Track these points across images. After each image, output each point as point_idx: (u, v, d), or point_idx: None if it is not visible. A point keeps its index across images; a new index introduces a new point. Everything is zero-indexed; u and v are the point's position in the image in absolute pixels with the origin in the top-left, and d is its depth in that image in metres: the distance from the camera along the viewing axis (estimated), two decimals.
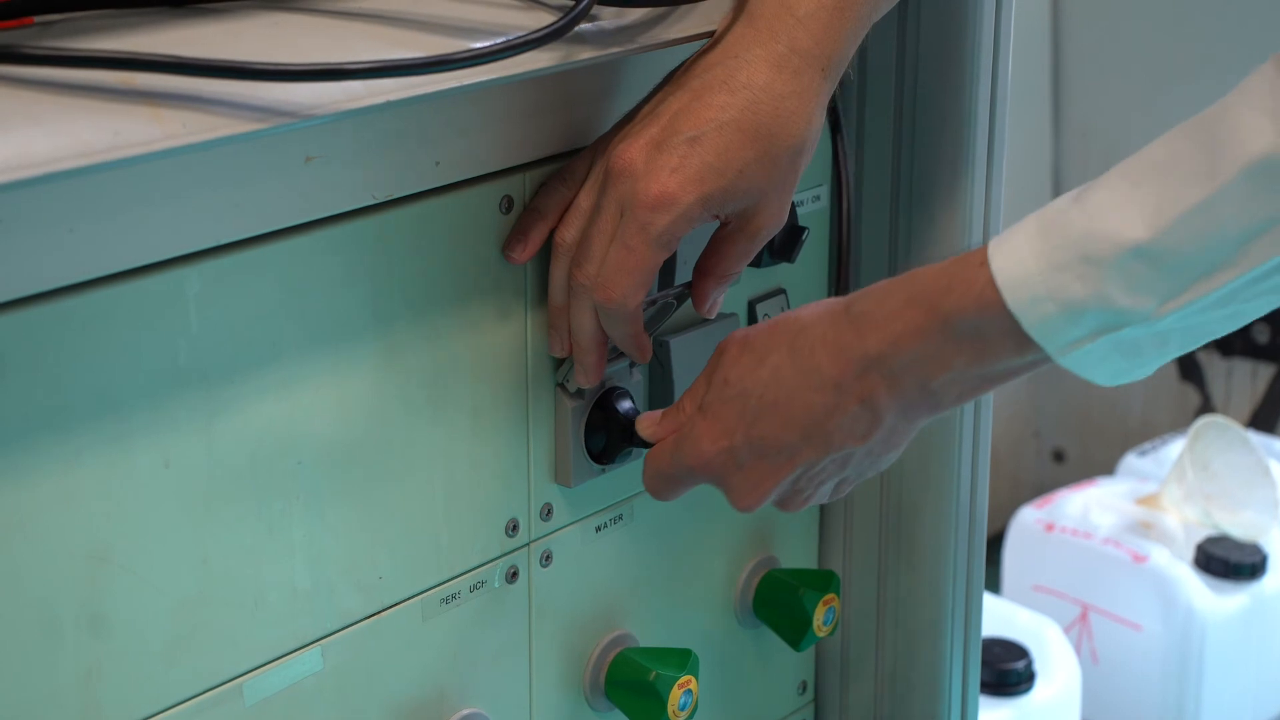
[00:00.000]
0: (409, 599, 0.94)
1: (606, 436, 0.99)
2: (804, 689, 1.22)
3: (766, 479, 0.90)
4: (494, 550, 0.98)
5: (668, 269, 0.98)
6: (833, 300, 0.89)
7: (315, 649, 0.89)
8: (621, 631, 1.06)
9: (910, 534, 1.18)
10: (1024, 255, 0.81)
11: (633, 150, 0.87)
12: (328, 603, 0.89)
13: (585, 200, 0.90)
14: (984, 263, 0.82)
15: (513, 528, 0.98)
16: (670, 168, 0.86)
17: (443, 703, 0.96)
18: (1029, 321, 0.81)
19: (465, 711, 0.97)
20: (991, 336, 0.82)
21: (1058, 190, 2.56)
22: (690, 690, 1.03)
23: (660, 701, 1.02)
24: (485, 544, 0.97)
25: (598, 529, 1.04)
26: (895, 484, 1.18)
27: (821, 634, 1.13)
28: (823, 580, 1.13)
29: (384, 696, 0.93)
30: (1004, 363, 0.83)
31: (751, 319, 1.09)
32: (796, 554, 1.18)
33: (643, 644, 1.07)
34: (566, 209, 0.92)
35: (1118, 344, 0.81)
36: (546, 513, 1.00)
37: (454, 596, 0.96)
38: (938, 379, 0.85)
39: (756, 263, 1.07)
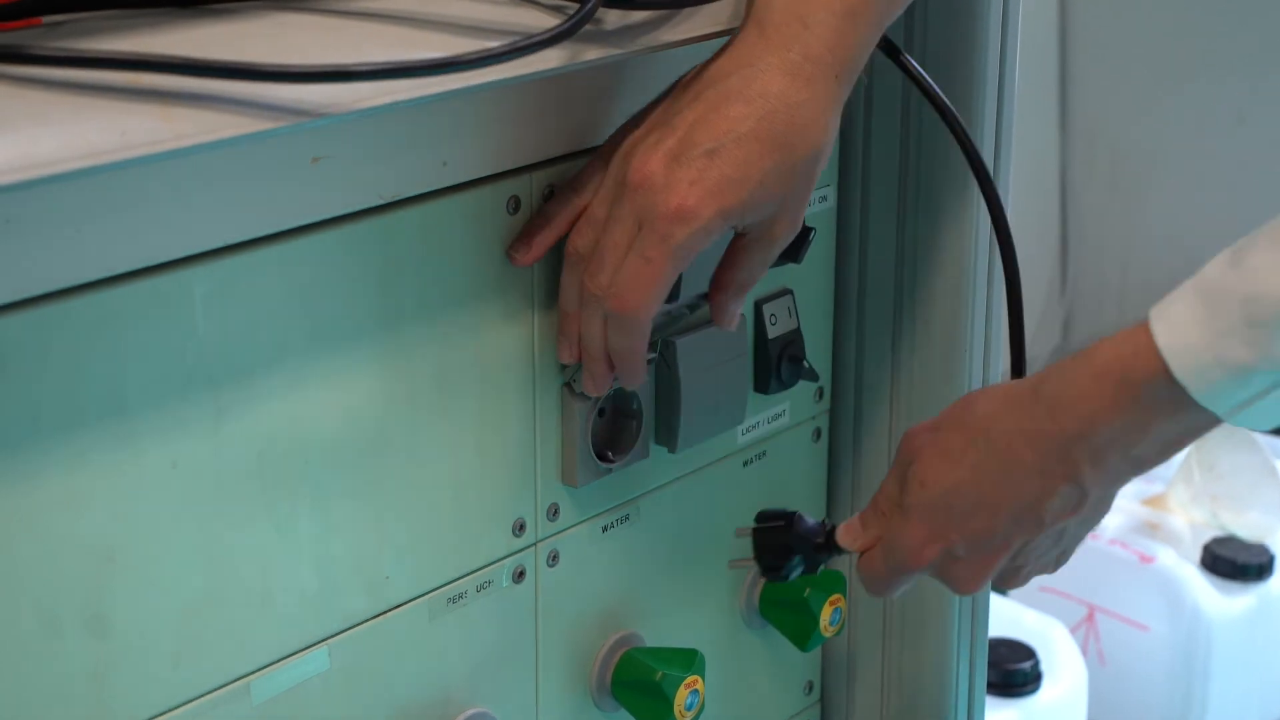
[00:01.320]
0: (416, 599, 0.94)
1: (802, 555, 1.02)
2: (810, 689, 1.22)
3: (985, 567, 0.92)
4: (501, 550, 0.98)
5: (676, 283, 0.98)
6: (1013, 386, 0.91)
7: (322, 649, 0.89)
8: (628, 631, 1.06)
9: None
10: (1185, 325, 0.83)
11: (651, 163, 0.87)
12: (335, 603, 0.90)
13: (599, 210, 0.90)
14: (1146, 335, 0.84)
15: (519, 528, 0.98)
16: (689, 180, 0.86)
17: (449, 702, 0.96)
18: (1197, 391, 0.83)
19: (472, 711, 0.97)
20: (1166, 404, 0.84)
21: (1065, 193, 2.56)
22: (697, 690, 1.03)
23: (667, 702, 1.02)
24: (492, 544, 0.97)
25: (604, 529, 1.04)
26: None
27: (828, 634, 1.13)
28: (829, 581, 1.13)
29: (391, 696, 0.93)
30: (1186, 424, 0.85)
31: (759, 320, 1.09)
32: None
33: (649, 644, 1.07)
34: (576, 217, 0.91)
35: None
36: (553, 513, 1.00)
37: (461, 596, 0.96)
38: (1140, 446, 0.87)
39: None
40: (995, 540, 0.90)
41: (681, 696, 1.02)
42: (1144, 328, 0.84)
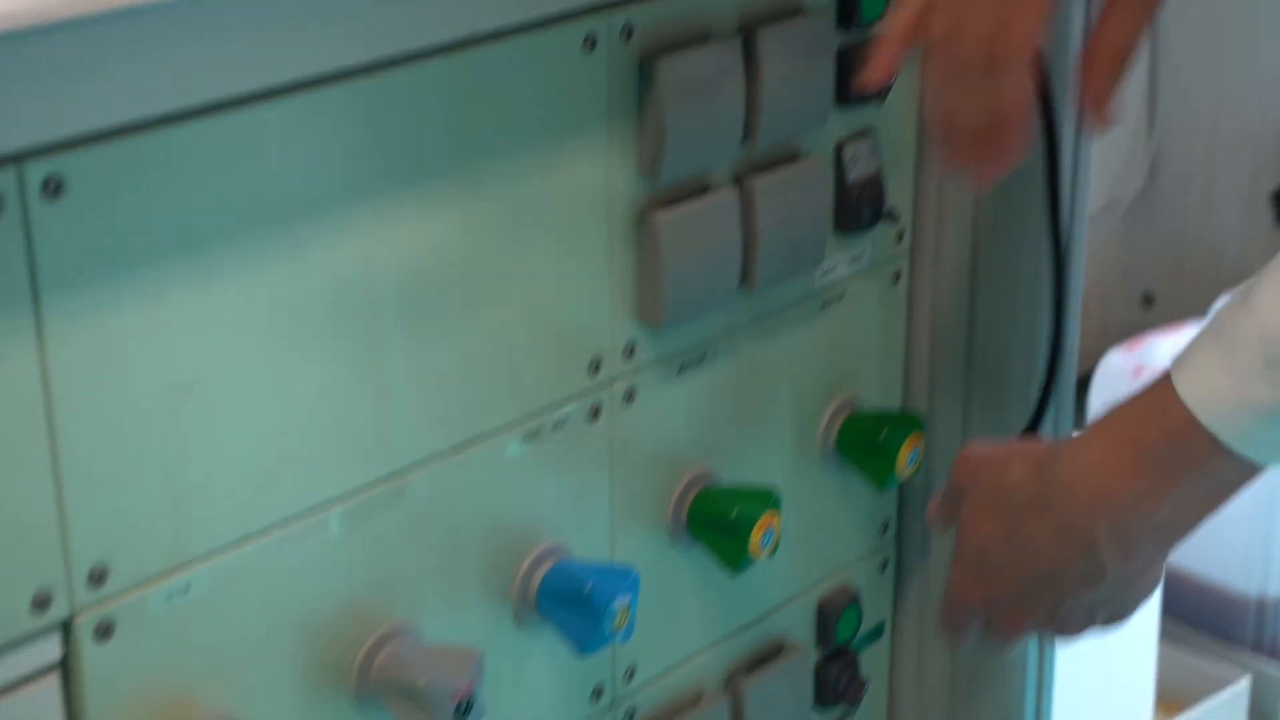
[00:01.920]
0: (491, 435, 0.94)
1: None
2: (886, 529, 1.23)
3: (1020, 620, 0.93)
4: (577, 388, 0.98)
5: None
6: (1040, 450, 0.91)
7: (399, 483, 0.90)
8: (703, 469, 1.07)
9: (997, 376, 1.17)
10: (1208, 372, 0.82)
11: None
12: (412, 438, 0.90)
13: None
14: (1168, 387, 0.83)
15: (596, 366, 0.98)
16: None
17: (526, 537, 0.97)
18: (1229, 436, 0.82)
19: (548, 544, 0.98)
20: (1196, 457, 0.83)
21: (1155, 30, 2.50)
22: (772, 528, 1.04)
23: (742, 539, 1.03)
24: (568, 381, 0.98)
25: (681, 368, 1.04)
26: (983, 325, 1.17)
27: (904, 475, 1.13)
28: (907, 422, 1.13)
29: (467, 531, 0.94)
30: (1218, 478, 0.84)
31: (839, 161, 1.08)
32: (881, 395, 1.18)
33: (725, 482, 1.07)
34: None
35: None
36: (630, 351, 1.00)
37: (536, 433, 0.96)
38: (1160, 514, 0.86)
39: (845, 99, 1.06)
40: (1025, 599, 0.92)
41: (757, 534, 1.03)
42: (1164, 384, 0.84)
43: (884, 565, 1.23)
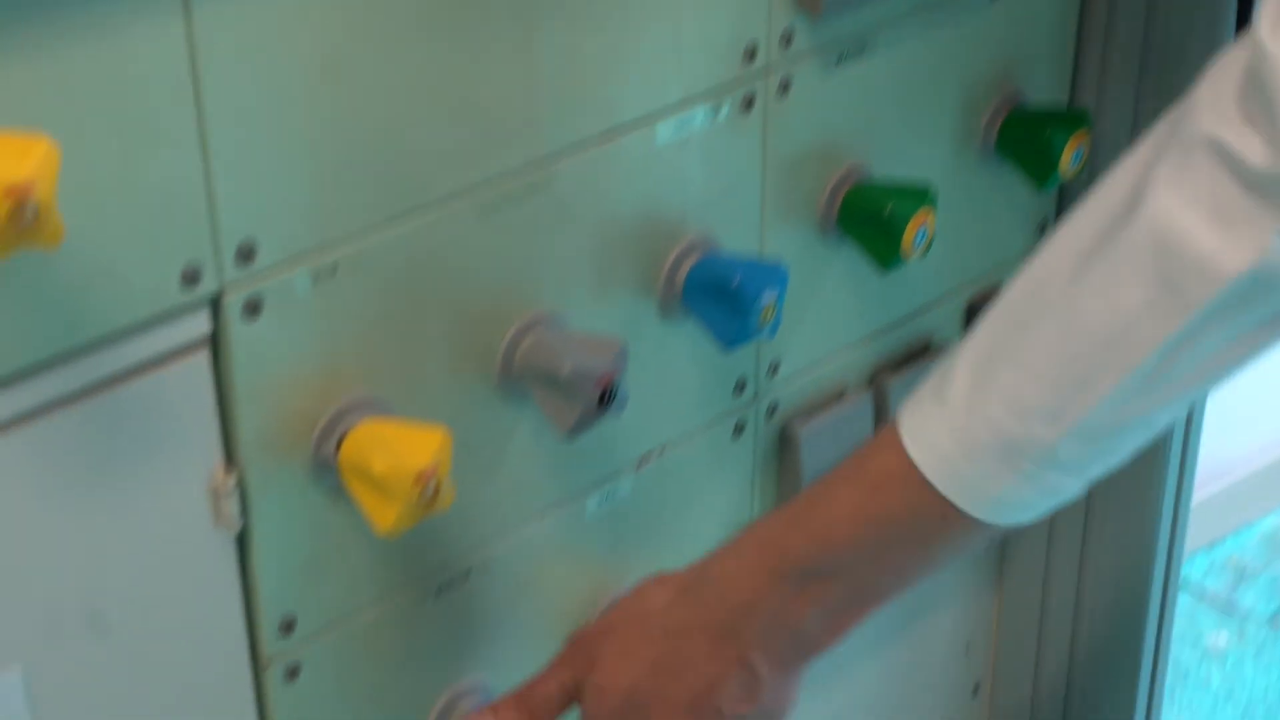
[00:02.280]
0: (641, 122, 0.92)
1: None
2: (1043, 229, 1.19)
3: None
4: (730, 76, 0.95)
5: None
6: (684, 574, 0.87)
7: (546, 170, 0.89)
8: (858, 164, 1.04)
9: (1174, 71, 1.12)
10: (934, 434, 0.78)
11: None
12: (559, 123, 0.88)
13: None
14: (825, 484, 0.82)
15: (751, 54, 0.95)
16: None
17: (673, 228, 0.96)
18: (959, 493, 0.78)
19: (695, 236, 0.97)
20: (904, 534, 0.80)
21: None
22: (926, 226, 1.01)
23: (895, 237, 1.01)
24: (722, 69, 0.95)
25: (839, 58, 1.00)
26: (1161, 17, 1.12)
27: (1067, 174, 1.09)
28: (1073, 118, 1.09)
29: (614, 220, 0.93)
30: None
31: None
32: (1047, 90, 1.14)
33: (880, 178, 1.05)
34: None
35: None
36: (787, 39, 0.97)
37: (688, 122, 0.94)
38: (806, 620, 0.83)
39: None
40: None
41: (910, 232, 1.01)
42: (809, 504, 0.82)
43: None
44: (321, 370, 0.83)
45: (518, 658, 0.99)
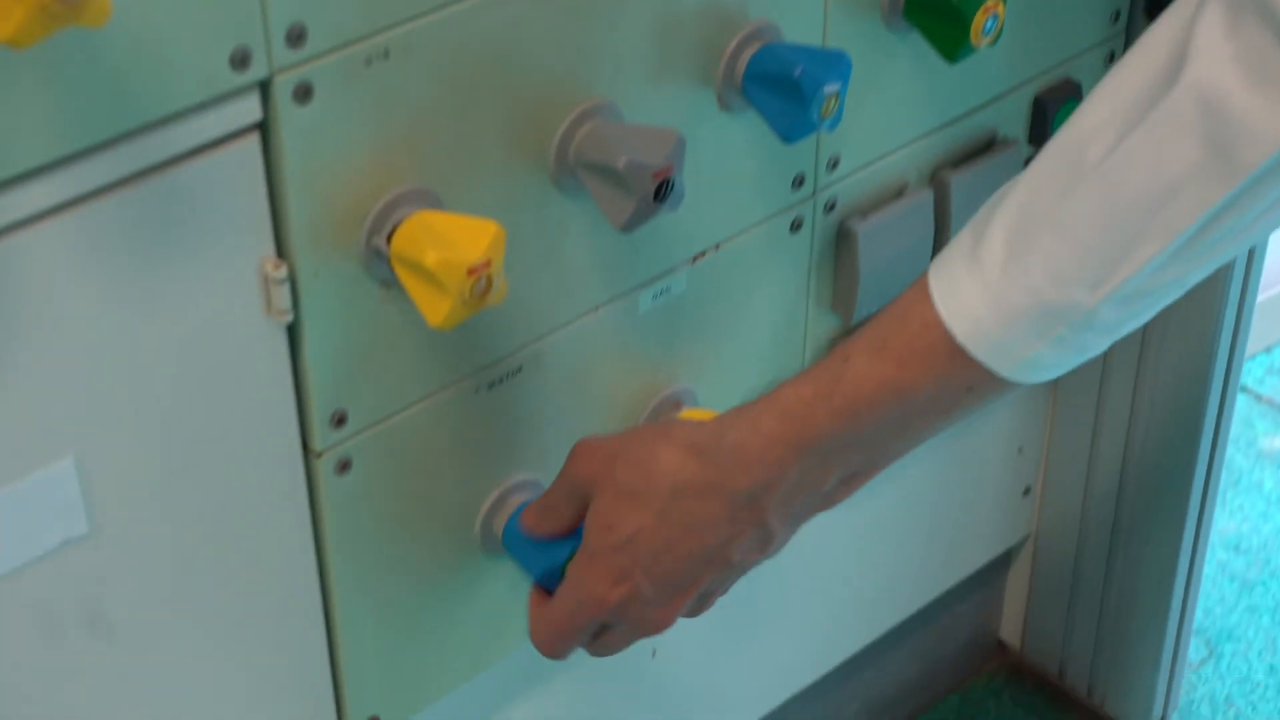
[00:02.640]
0: None
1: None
2: (1116, 18, 1.16)
3: (673, 608, 0.87)
4: None
5: None
6: (696, 433, 0.84)
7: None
8: None
9: None
10: (968, 297, 0.77)
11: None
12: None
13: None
14: (848, 359, 0.80)
15: None
16: None
17: (734, 17, 0.93)
18: (991, 356, 0.77)
19: (757, 24, 0.93)
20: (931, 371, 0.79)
21: None
22: (996, 14, 0.98)
23: (963, 25, 0.97)
24: None
25: None
26: None
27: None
28: None
29: (675, 4, 0.90)
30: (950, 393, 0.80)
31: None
32: None
33: None
34: None
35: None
36: None
37: None
38: (826, 484, 0.83)
39: None
40: (684, 581, 0.86)
41: (980, 20, 0.97)
42: (840, 361, 0.81)
43: (1109, 57, 1.16)
44: (373, 159, 0.81)
45: (567, 455, 0.98)
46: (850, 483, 0.84)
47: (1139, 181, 0.73)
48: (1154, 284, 0.76)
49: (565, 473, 0.89)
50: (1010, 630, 1.57)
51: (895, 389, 0.80)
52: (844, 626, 1.33)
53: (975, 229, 0.78)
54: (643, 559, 0.85)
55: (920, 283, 0.79)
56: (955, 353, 0.78)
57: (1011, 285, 0.76)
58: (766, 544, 0.85)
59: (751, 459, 0.83)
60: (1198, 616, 1.55)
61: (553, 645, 0.90)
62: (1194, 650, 1.59)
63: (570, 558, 0.89)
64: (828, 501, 0.85)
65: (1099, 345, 0.78)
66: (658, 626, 0.88)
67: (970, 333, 0.77)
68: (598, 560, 0.86)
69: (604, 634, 0.89)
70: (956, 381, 0.79)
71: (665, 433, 0.86)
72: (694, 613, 0.89)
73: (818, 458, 0.82)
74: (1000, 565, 1.51)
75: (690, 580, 0.86)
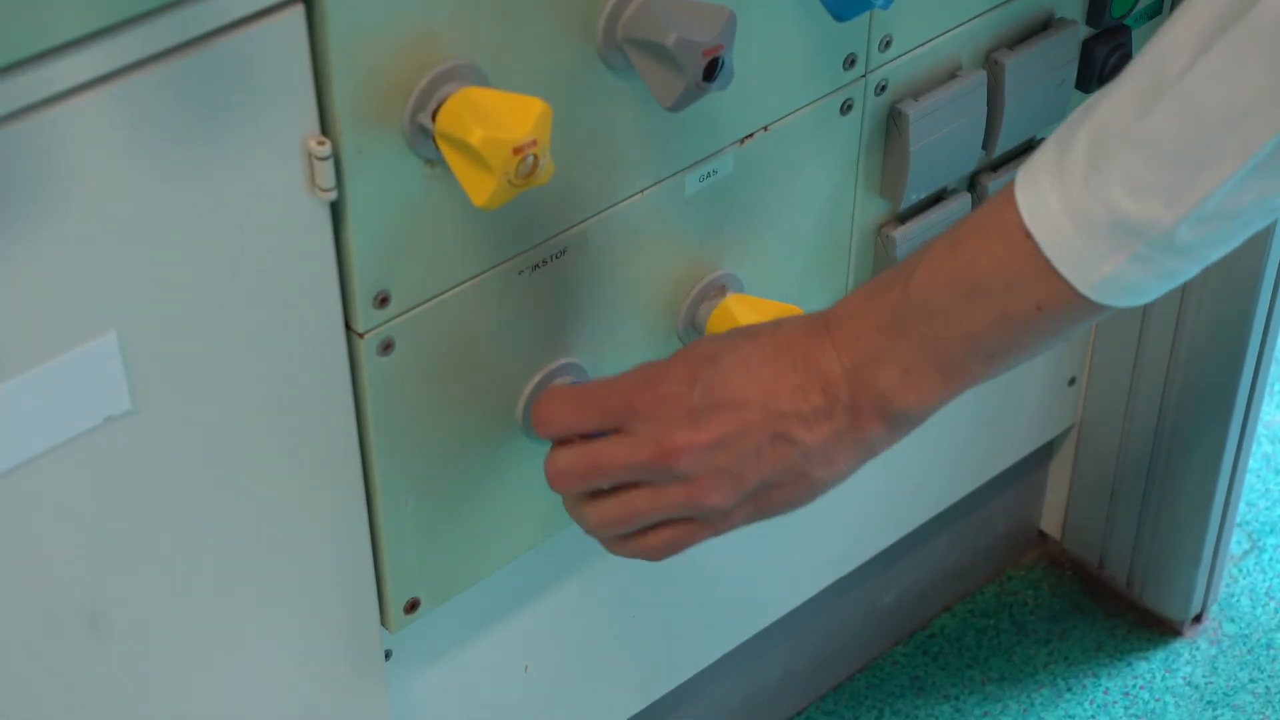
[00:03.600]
0: None
1: None
2: None
3: (705, 435, 0.83)
4: None
5: None
6: (814, 315, 0.85)
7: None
8: None
9: None
10: (1052, 206, 0.76)
11: None
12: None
13: None
14: (927, 249, 0.81)
15: None
16: None
17: None
18: (1072, 269, 0.77)
19: None
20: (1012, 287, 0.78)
21: None
22: None
23: None
24: None
25: None
26: None
27: None
28: None
29: None
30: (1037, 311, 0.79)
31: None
32: None
33: None
34: None
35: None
36: None
37: None
38: (890, 373, 0.82)
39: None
40: (731, 405, 0.83)
41: None
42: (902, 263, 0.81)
43: None
44: (418, 32, 0.79)
45: (610, 338, 0.97)
46: (915, 381, 0.82)
47: (1214, 99, 0.73)
48: (1233, 205, 0.75)
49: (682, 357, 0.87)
50: (1051, 521, 1.56)
51: (968, 288, 0.79)
52: (884, 516, 1.32)
53: (1061, 141, 0.77)
54: (716, 366, 0.83)
55: (1004, 191, 0.79)
56: (1036, 263, 0.77)
57: (1092, 197, 0.75)
58: (818, 428, 0.83)
59: (840, 328, 0.83)
60: (1240, 509, 1.54)
61: (568, 478, 0.87)
62: (1236, 543, 1.58)
63: None
64: (890, 399, 0.83)
65: (1185, 271, 0.78)
66: (677, 455, 0.84)
67: (1053, 241, 0.77)
68: (676, 359, 0.85)
69: (654, 531, 0.87)
70: (1031, 295, 0.78)
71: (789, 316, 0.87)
72: (718, 483, 0.84)
73: (887, 337, 0.82)
74: (1043, 456, 1.50)
75: (739, 407, 0.83)
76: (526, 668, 1.11)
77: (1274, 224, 1.25)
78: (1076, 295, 0.77)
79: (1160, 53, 0.75)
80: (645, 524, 0.87)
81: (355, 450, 0.89)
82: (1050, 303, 0.78)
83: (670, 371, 0.85)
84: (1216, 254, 0.78)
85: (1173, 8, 1.17)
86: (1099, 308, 0.78)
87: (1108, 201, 0.75)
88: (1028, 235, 0.77)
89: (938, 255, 0.81)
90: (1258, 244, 1.26)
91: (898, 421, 0.84)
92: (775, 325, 0.86)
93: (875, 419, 0.84)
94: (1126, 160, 0.75)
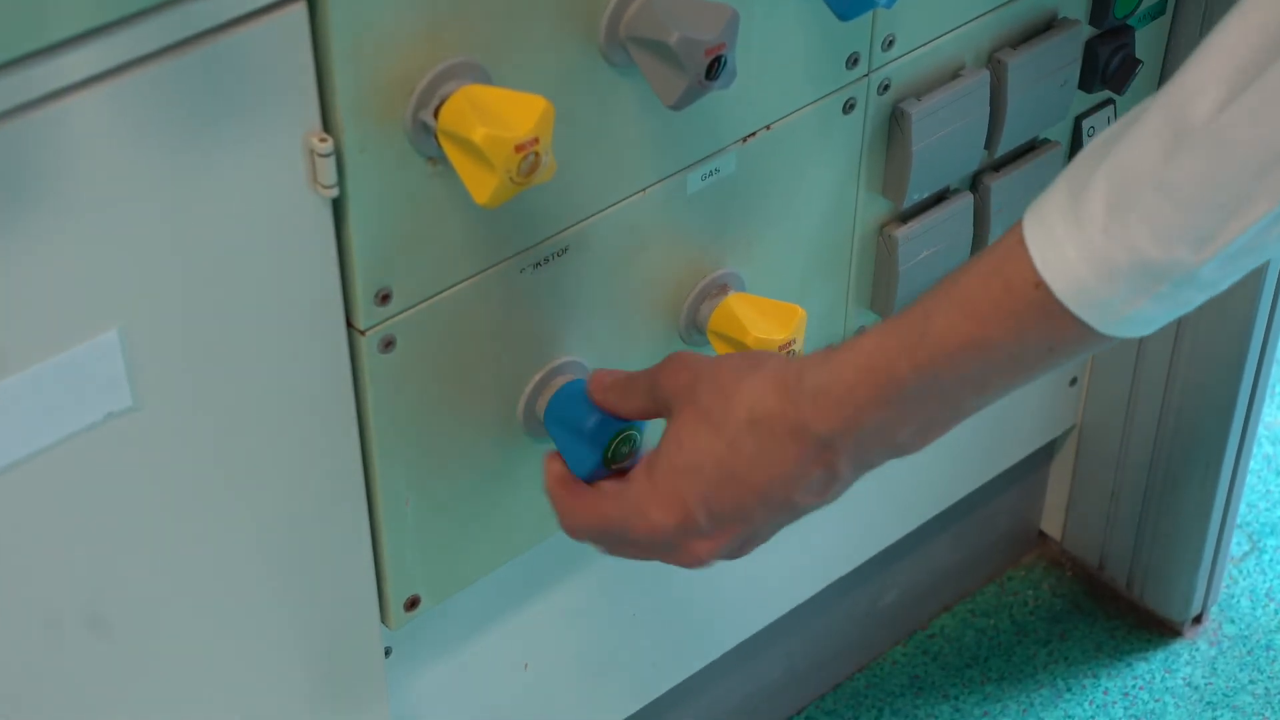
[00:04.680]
0: None
1: None
2: None
3: (720, 542, 0.86)
4: None
5: None
6: (782, 369, 0.83)
7: None
8: None
9: None
10: (1068, 255, 0.75)
11: None
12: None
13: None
14: (929, 316, 0.79)
15: None
16: None
17: None
18: (1090, 312, 0.75)
19: None
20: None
21: None
22: None
23: None
24: None
25: None
26: None
27: None
28: None
29: None
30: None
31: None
32: None
33: None
34: None
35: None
36: None
37: None
38: (901, 435, 0.82)
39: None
40: (739, 515, 0.84)
41: None
42: (902, 322, 0.80)
43: None
44: (421, 30, 0.79)
45: (613, 336, 0.97)
46: (924, 434, 0.83)
47: (1251, 140, 0.71)
48: (1259, 242, 0.74)
49: (656, 373, 0.88)
50: (1051, 521, 1.56)
51: (979, 347, 0.78)
52: (885, 515, 1.32)
53: (1071, 186, 0.76)
54: (705, 486, 0.85)
55: (1011, 238, 0.77)
56: (1050, 311, 0.76)
57: (1114, 244, 0.74)
58: (829, 488, 0.84)
59: (830, 405, 0.82)
60: (1241, 510, 1.54)
61: (585, 536, 0.90)
62: (1236, 544, 1.58)
63: (610, 443, 0.89)
64: (901, 450, 0.83)
65: (1198, 300, 0.77)
66: (697, 560, 0.87)
67: (1071, 291, 0.76)
68: (659, 480, 0.86)
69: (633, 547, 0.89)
70: (1044, 340, 0.77)
71: (755, 362, 0.85)
72: (734, 554, 0.88)
73: (896, 410, 0.81)
74: (1044, 456, 1.50)
75: (745, 515, 0.85)
76: (526, 665, 1.11)
77: None
78: (1092, 334, 0.77)
79: (1183, 93, 0.73)
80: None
81: (356, 447, 0.89)
82: (1063, 343, 0.77)
83: (656, 497, 0.86)
84: (1231, 282, 0.77)
85: (1177, 9, 1.17)
86: (1111, 339, 0.78)
87: (1132, 248, 0.74)
88: (1041, 284, 0.76)
89: (945, 322, 0.79)
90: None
91: (900, 455, 0.85)
92: (749, 419, 0.84)
93: (878, 459, 0.84)
94: (1152, 204, 0.73)
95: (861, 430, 0.82)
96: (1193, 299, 0.77)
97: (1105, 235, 0.74)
